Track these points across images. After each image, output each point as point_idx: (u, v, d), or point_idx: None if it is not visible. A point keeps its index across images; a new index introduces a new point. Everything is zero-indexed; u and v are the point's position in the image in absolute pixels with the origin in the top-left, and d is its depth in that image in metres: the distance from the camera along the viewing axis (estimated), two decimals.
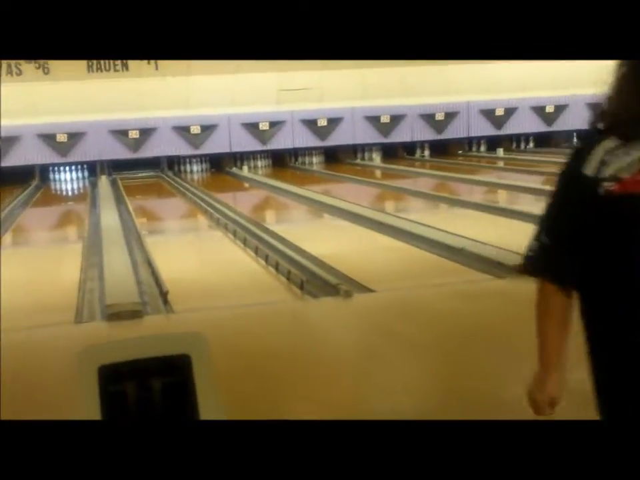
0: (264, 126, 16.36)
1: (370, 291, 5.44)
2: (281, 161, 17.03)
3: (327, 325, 4.70)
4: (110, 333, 4.60)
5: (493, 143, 17.87)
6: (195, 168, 16.79)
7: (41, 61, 11.64)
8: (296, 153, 17.23)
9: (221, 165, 16.67)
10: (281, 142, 16.52)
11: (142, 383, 2.52)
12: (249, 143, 16.39)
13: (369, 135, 16.90)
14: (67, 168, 16.20)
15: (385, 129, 16.88)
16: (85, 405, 2.47)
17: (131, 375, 2.55)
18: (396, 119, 16.86)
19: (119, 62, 11.47)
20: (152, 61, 11.70)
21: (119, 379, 2.54)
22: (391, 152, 17.31)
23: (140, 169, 16.50)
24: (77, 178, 16.21)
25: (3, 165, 15.14)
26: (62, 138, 15.45)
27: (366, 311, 4.94)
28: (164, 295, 5.45)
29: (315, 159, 17.38)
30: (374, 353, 4.14)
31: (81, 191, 15.11)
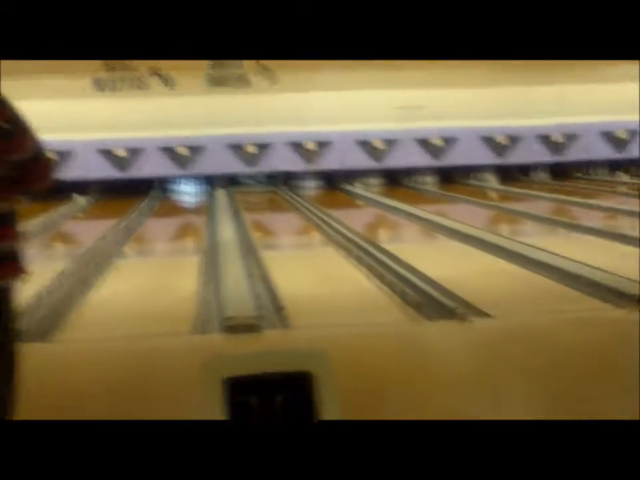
0: (379, 144, 16.40)
1: (487, 315, 5.37)
2: (395, 179, 17.03)
3: (442, 348, 4.65)
4: (226, 346, 4.69)
5: (615, 166, 17.36)
6: (309, 184, 16.98)
7: (165, 75, 12.04)
8: (410, 171, 17.22)
9: (335, 182, 16.81)
10: (396, 160, 16.51)
11: (265, 397, 2.58)
12: (363, 161, 16.46)
13: (485, 156, 16.69)
14: (187, 180, 16.69)
15: (502, 150, 16.65)
16: (208, 414, 2.54)
17: (255, 389, 2.60)
18: (513, 139, 16.59)
19: (239, 76, 11.74)
20: (270, 76, 11.92)
21: (243, 392, 2.60)
22: (507, 173, 17.07)
23: (256, 183, 16.84)
24: (196, 191, 16.65)
25: (127, 176, 15.73)
26: (183, 151, 15.92)
27: (482, 336, 4.87)
28: (280, 310, 5.53)
29: (429, 179, 17.29)
30: (489, 379, 4.08)
31: (199, 203, 15.52)
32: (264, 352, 2.59)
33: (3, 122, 2.29)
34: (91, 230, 12.57)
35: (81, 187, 15.51)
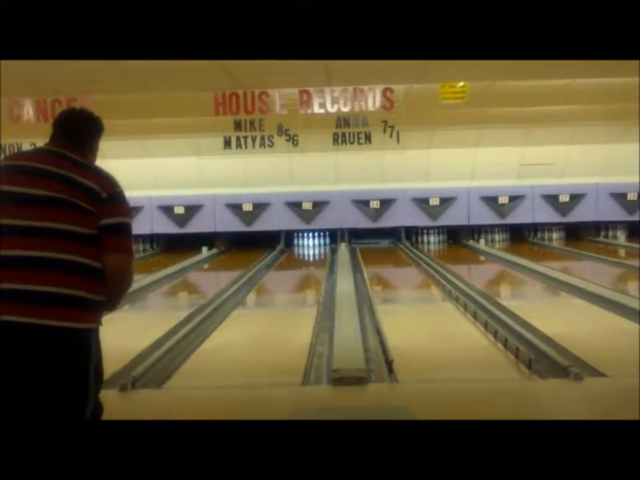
0: (503, 200, 16.22)
1: (602, 375, 5.18)
2: (519, 235, 16.76)
3: (553, 407, 4.52)
4: (333, 398, 4.72)
5: None
6: (431, 239, 16.95)
7: (292, 134, 12.36)
8: (535, 227, 16.93)
9: (457, 237, 16.69)
10: (520, 216, 16.28)
11: None
12: (487, 217, 16.32)
13: (613, 212, 16.19)
14: (310, 234, 16.99)
15: (632, 207, 16.09)
16: None
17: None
18: None
19: (362, 135, 11.90)
20: (394, 134, 12.03)
21: None
22: (637, 230, 16.46)
23: (379, 237, 16.93)
24: (319, 244, 16.91)
25: (254, 229, 16.16)
26: (307, 206, 16.26)
27: (596, 396, 4.70)
28: (389, 363, 5.52)
29: (554, 235, 16.93)
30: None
31: (322, 256, 15.73)
32: (348, 408, 2.63)
33: (103, 192, 2.57)
34: (214, 280, 12.95)
35: (209, 239, 16.05)
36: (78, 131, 2.71)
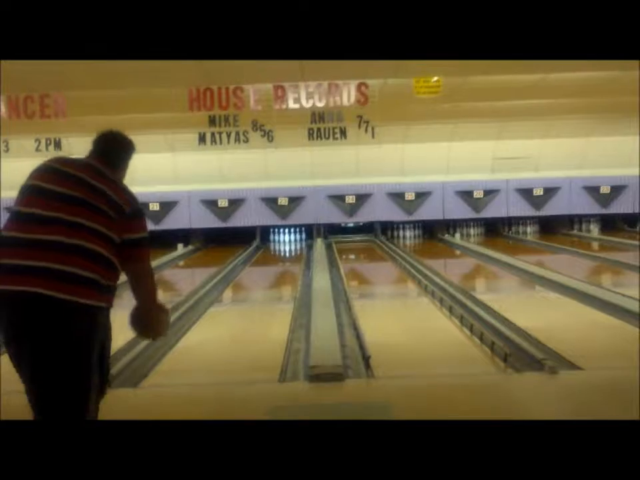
0: (478, 194, 16.31)
1: (577, 368, 5.22)
2: (494, 229, 16.87)
3: (529, 401, 4.55)
4: (310, 394, 4.71)
5: None
6: (407, 234, 17.01)
7: (267, 129, 12.33)
8: (510, 221, 17.04)
9: (433, 232, 16.77)
10: (495, 210, 16.38)
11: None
12: (462, 211, 16.40)
13: (587, 206, 16.36)
14: (286, 230, 16.97)
15: (605, 200, 16.26)
16: None
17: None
18: (617, 189, 16.20)
19: (338, 130, 11.90)
20: (369, 129, 12.05)
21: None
22: (610, 224, 16.63)
23: (354, 233, 16.96)
24: (295, 240, 16.90)
25: (229, 225, 16.12)
26: (283, 202, 16.23)
27: (571, 389, 4.73)
28: (366, 359, 5.53)
29: (529, 229, 17.07)
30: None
31: (298, 252, 15.71)
32: (325, 404, 2.63)
33: (126, 207, 3.01)
34: (190, 278, 12.89)
35: (185, 235, 15.98)
36: (113, 151, 3.24)
